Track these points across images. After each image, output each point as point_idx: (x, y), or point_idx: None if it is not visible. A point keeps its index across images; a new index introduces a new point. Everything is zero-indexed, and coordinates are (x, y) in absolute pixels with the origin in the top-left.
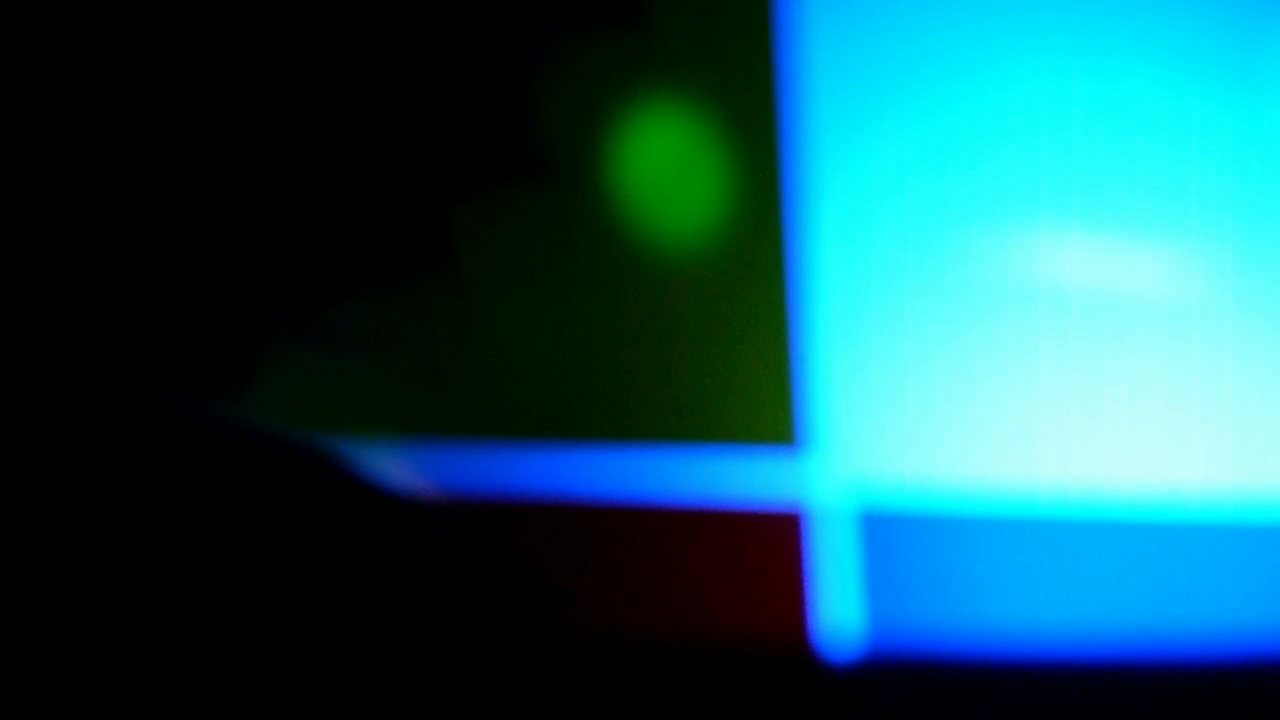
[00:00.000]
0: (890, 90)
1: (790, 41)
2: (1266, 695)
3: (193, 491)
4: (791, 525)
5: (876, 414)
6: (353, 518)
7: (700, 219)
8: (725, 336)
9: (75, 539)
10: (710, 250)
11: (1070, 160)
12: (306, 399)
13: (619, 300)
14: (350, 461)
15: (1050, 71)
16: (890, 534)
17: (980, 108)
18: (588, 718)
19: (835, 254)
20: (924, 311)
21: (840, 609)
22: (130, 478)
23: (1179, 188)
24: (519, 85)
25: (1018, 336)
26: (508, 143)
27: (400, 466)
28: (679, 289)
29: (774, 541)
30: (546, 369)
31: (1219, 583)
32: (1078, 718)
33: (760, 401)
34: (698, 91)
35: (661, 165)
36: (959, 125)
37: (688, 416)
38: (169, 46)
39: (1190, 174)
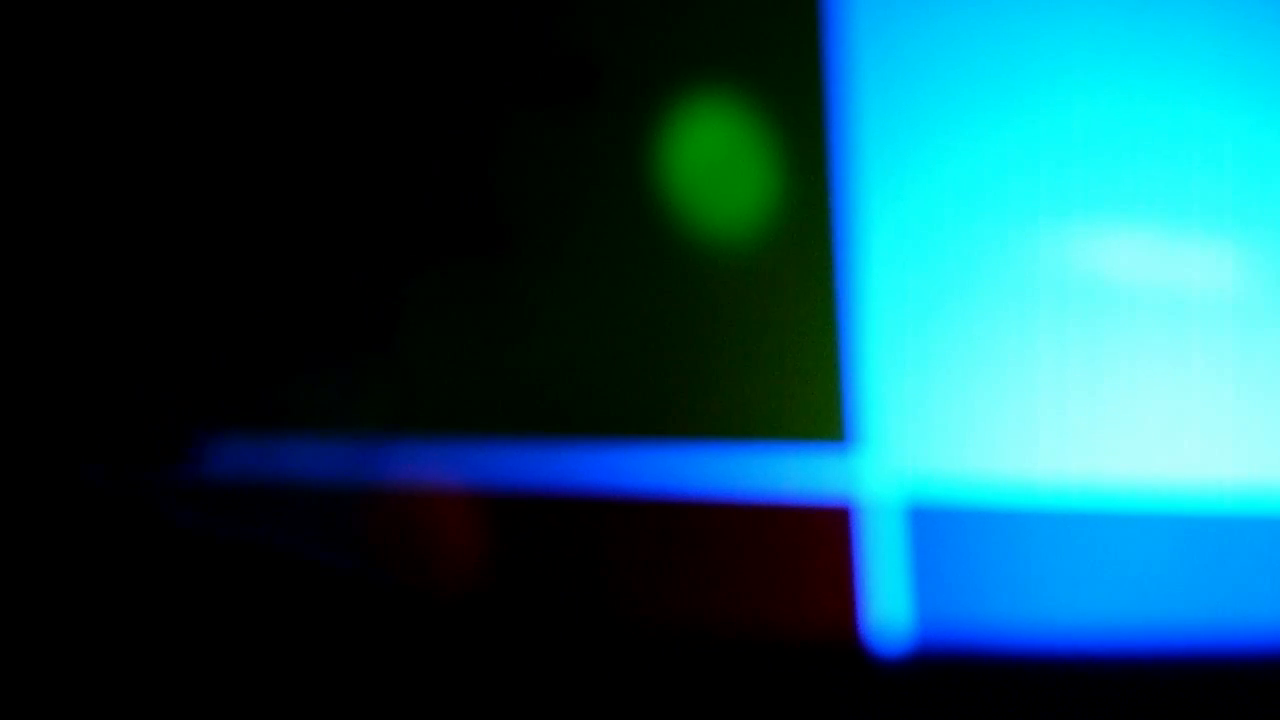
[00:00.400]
0: (940, 90)
1: (842, 37)
2: None
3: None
4: (841, 520)
5: (925, 410)
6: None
7: (751, 216)
8: (776, 334)
9: None
10: (761, 247)
11: (1111, 165)
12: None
13: (671, 298)
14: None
15: (1093, 82)
16: (939, 528)
17: (1026, 114)
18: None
19: (885, 251)
20: (972, 308)
21: (889, 603)
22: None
23: (1210, 191)
24: (568, 83)
25: (1065, 333)
26: (558, 140)
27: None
28: (730, 286)
29: (824, 536)
30: (602, 367)
31: (1270, 575)
32: (1123, 710)
33: (811, 398)
34: (748, 87)
35: (713, 162)
36: (1006, 127)
37: (739, 414)
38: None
39: (1222, 179)
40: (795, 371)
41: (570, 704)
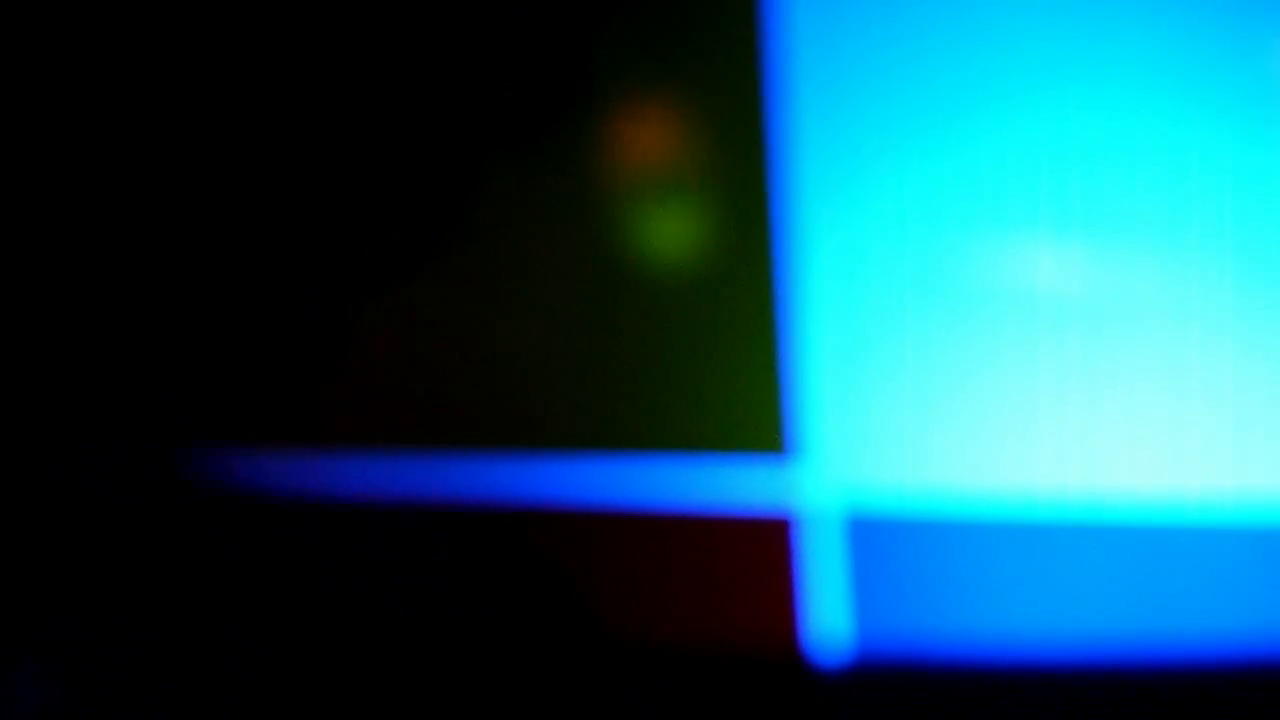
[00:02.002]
0: (881, 99)
1: (782, 45)
2: (1258, 699)
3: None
4: (781, 531)
5: (865, 421)
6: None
7: (689, 227)
8: (715, 346)
9: None
10: (700, 259)
11: (1053, 174)
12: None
13: (609, 310)
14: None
15: (1038, 91)
16: (878, 539)
17: (968, 122)
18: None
19: (825, 262)
20: (912, 319)
21: (829, 615)
22: None
23: (1155, 201)
24: (503, 97)
25: (1004, 342)
26: (494, 148)
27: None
28: (669, 298)
29: (764, 548)
30: (537, 379)
31: (1210, 586)
32: None
33: (750, 410)
34: (687, 97)
35: (651, 173)
36: (949, 135)
37: (679, 425)
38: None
39: (1167, 190)
40: (735, 383)
41: (511, 713)
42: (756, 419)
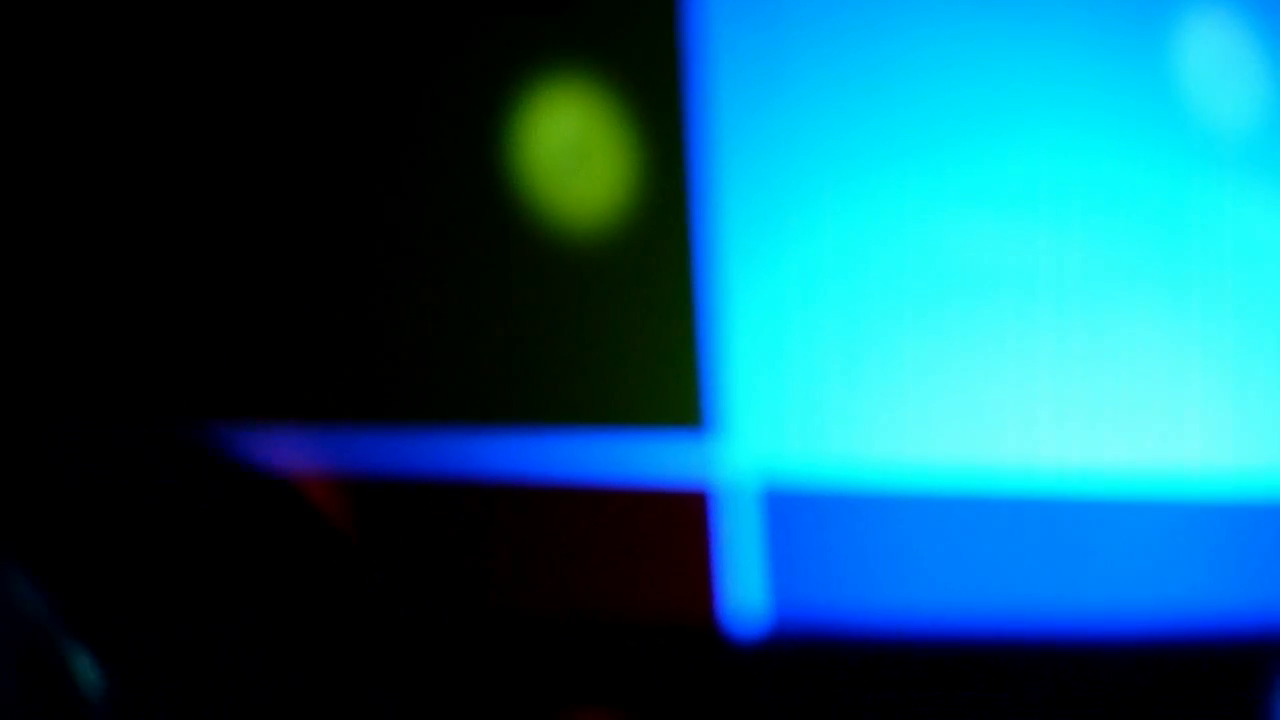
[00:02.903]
0: (799, 76)
1: (699, 22)
2: (1166, 673)
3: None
4: (698, 505)
5: (782, 396)
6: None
7: (605, 199)
8: (632, 320)
9: None
10: (617, 232)
11: (970, 152)
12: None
13: (524, 283)
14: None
15: (942, 72)
16: (795, 513)
17: (886, 100)
18: (493, 692)
19: (742, 236)
20: (829, 292)
21: (745, 587)
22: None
23: (1068, 182)
24: (420, 72)
25: (920, 315)
26: (409, 124)
27: (289, 449)
28: (585, 272)
29: (681, 521)
30: (453, 352)
31: (1124, 558)
32: (982, 695)
33: (667, 384)
34: (602, 69)
35: (564, 146)
36: (867, 111)
37: (595, 399)
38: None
39: (1081, 169)
40: (653, 358)
41: (427, 686)
42: (674, 393)
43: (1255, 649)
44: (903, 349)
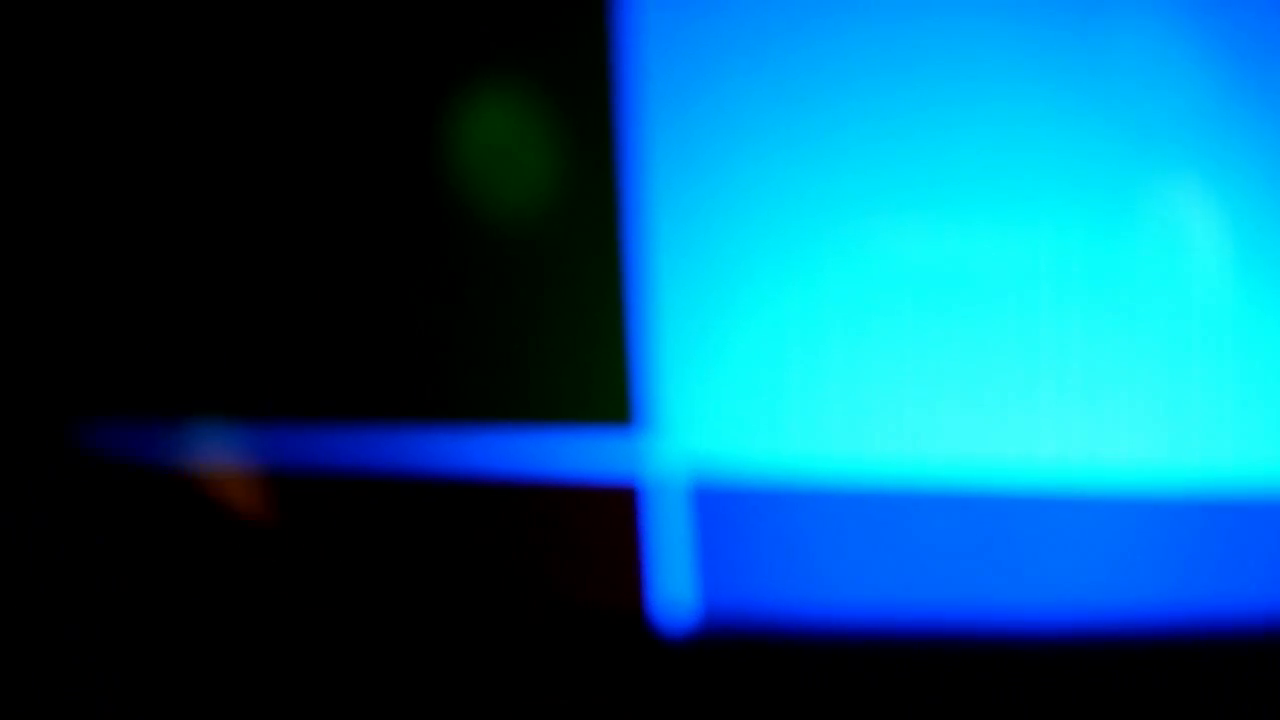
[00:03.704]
0: (731, 70)
1: (629, 21)
2: (1099, 666)
3: None
4: (628, 501)
5: (711, 392)
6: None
7: (534, 195)
8: (561, 315)
9: None
10: (546, 227)
11: (916, 145)
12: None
13: (456, 280)
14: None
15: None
16: (723, 509)
17: (825, 97)
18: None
19: (672, 231)
20: (760, 288)
21: (676, 584)
22: None
23: (1015, 177)
24: (361, 68)
25: (848, 312)
26: (343, 119)
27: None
28: (514, 267)
29: (610, 518)
30: (387, 349)
31: (1056, 554)
32: (911, 692)
33: (597, 380)
34: (530, 65)
35: (494, 140)
36: (803, 107)
37: (525, 395)
38: None
39: (1029, 163)
40: (581, 353)
41: (361, 684)
42: (604, 390)
43: (1248, 648)
44: (831, 344)
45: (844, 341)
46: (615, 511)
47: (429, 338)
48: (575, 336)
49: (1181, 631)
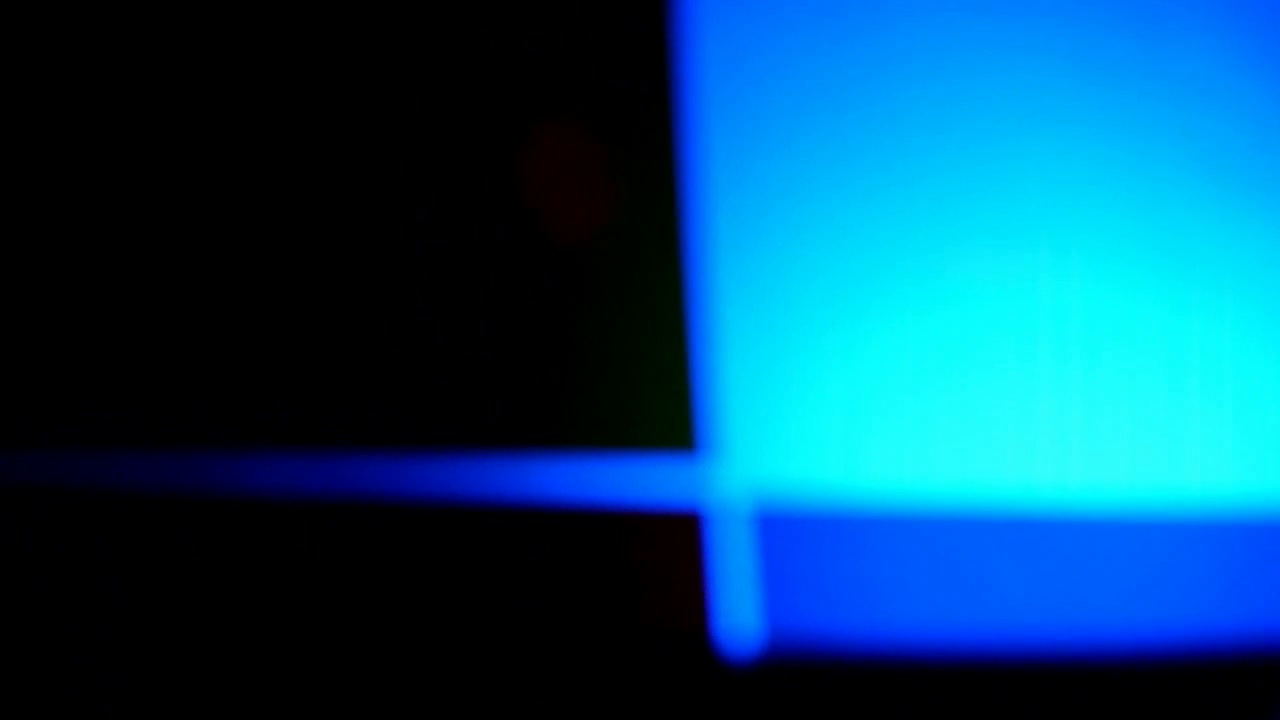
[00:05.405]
0: (797, 92)
1: (690, 36)
2: (1156, 689)
3: None
4: (692, 527)
5: (775, 419)
6: None
7: (602, 225)
8: (628, 343)
9: None
10: (611, 254)
11: (971, 171)
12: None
13: (521, 307)
14: None
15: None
16: (787, 535)
17: (885, 112)
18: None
19: (737, 259)
20: (823, 317)
21: (739, 608)
22: None
23: (1068, 206)
24: (428, 79)
25: (913, 340)
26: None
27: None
28: (581, 295)
29: (675, 544)
30: (453, 377)
31: (1113, 578)
32: (977, 714)
33: (661, 407)
34: (596, 88)
35: (561, 168)
36: (863, 123)
37: (591, 422)
38: None
39: (1073, 194)
40: (646, 381)
41: (414, 708)
42: (669, 417)
43: (1256, 668)
44: (897, 371)
45: (907, 368)
46: (680, 537)
47: (495, 366)
48: (641, 364)
49: (1250, 654)
